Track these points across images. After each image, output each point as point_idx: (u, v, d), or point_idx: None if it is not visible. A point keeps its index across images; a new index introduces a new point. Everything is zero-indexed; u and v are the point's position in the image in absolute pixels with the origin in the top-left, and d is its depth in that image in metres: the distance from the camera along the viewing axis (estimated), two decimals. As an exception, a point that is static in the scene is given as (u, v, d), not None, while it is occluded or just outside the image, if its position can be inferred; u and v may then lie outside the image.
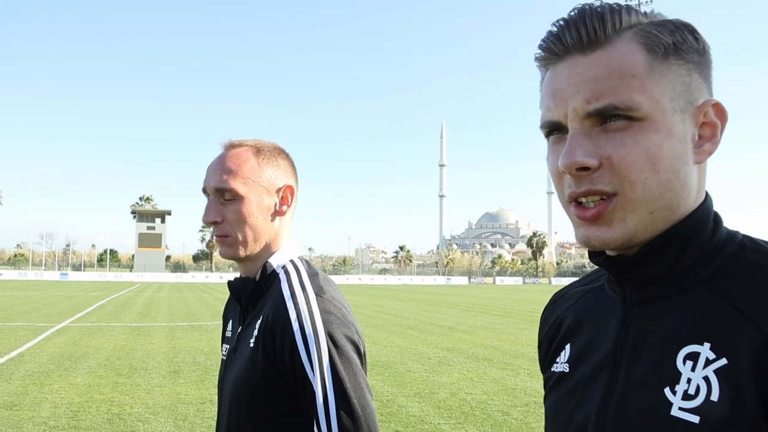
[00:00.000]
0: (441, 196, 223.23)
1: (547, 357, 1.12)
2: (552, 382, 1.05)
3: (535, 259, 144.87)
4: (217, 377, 1.79)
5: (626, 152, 0.83)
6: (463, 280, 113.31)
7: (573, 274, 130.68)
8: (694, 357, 0.81)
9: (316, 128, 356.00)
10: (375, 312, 26.31)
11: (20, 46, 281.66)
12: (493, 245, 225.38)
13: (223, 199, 1.64)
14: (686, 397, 0.80)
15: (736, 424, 0.75)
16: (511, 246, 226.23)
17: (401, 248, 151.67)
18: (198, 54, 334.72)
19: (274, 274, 1.65)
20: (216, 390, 1.85)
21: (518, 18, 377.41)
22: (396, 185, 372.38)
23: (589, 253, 0.96)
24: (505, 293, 55.83)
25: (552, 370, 1.06)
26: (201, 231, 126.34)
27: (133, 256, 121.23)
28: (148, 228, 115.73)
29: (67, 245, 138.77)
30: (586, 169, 0.84)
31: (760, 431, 0.74)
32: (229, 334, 1.81)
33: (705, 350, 0.80)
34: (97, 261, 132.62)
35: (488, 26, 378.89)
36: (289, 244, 1.73)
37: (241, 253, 1.67)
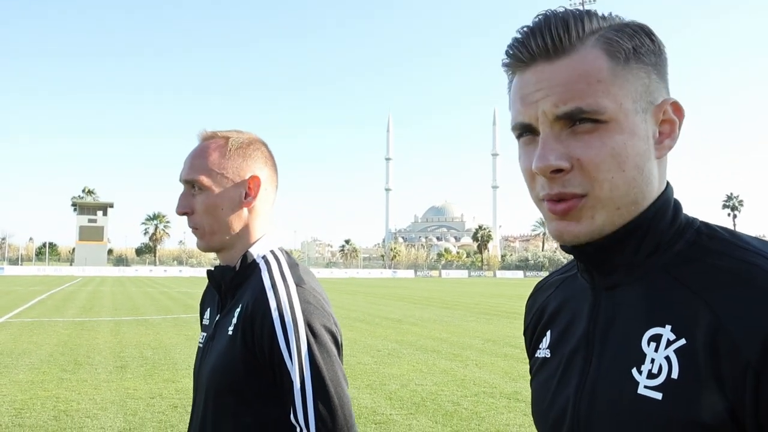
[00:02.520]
0: (387, 190, 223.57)
1: (531, 344, 1.18)
2: (536, 368, 1.12)
3: (480, 252, 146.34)
4: (193, 365, 1.80)
5: (594, 154, 0.88)
6: (410, 274, 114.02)
7: (517, 268, 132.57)
8: (657, 339, 0.88)
9: (261, 120, 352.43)
10: (323, 305, 26.18)
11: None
12: (438, 239, 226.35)
13: (193, 191, 1.68)
14: (650, 376, 0.86)
15: (694, 398, 0.82)
16: (457, 239, 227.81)
17: (347, 242, 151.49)
18: (137, 42, 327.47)
19: (255, 264, 1.67)
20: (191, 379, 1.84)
21: (463, 11, 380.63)
22: (342, 178, 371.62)
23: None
24: (451, 286, 56.42)
25: (536, 356, 1.13)
26: (144, 224, 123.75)
27: (73, 249, 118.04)
28: (90, 221, 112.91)
29: (3, 238, 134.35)
30: (559, 171, 0.90)
31: (714, 405, 0.80)
32: (206, 322, 1.83)
33: (666, 332, 0.87)
34: (36, 255, 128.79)
35: (433, 19, 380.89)
36: (269, 234, 1.75)
37: (211, 244, 1.70)
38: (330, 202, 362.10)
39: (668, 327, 0.87)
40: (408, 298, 33.48)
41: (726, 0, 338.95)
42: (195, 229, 1.69)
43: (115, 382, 9.44)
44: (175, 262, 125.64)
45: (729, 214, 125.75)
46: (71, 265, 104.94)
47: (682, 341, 0.85)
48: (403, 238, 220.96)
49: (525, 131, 0.94)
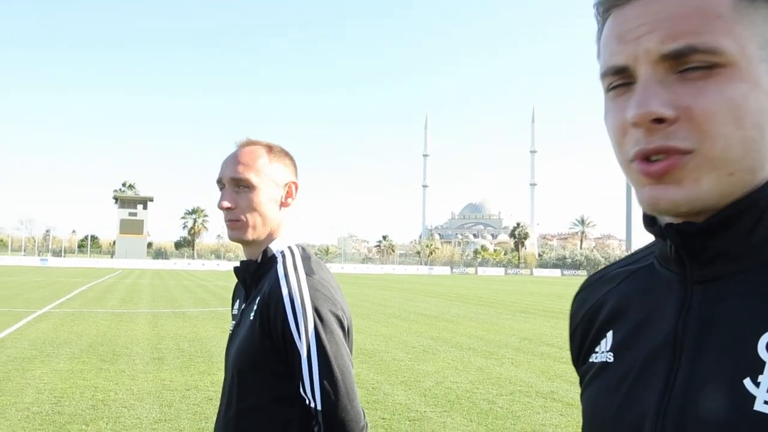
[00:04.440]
0: (424, 186, 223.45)
1: (583, 348, 0.99)
2: (592, 374, 0.92)
3: (518, 250, 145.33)
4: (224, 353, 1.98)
5: (709, 102, 0.72)
6: (446, 270, 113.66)
7: (554, 266, 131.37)
8: None
9: (300, 117, 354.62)
10: (359, 301, 26.33)
11: None
12: (475, 236, 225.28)
13: (237, 188, 1.88)
14: None
15: None
16: (494, 237, 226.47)
17: (384, 238, 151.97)
18: (179, 41, 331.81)
19: (273, 258, 1.88)
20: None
21: (500, 7, 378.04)
22: (379, 175, 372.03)
23: (644, 220, 0.86)
24: (487, 283, 56.05)
25: (591, 360, 0.94)
26: (183, 218, 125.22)
27: (114, 242, 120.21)
28: (130, 214, 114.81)
29: (47, 231, 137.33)
30: (661, 121, 0.73)
31: None
32: (235, 311, 2.02)
33: None
34: (78, 247, 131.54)
35: (471, 15, 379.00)
36: (288, 233, 1.97)
37: (249, 236, 1.89)
38: (367, 198, 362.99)
39: None
40: (444, 295, 33.34)
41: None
42: (236, 221, 1.87)
43: (151, 373, 9.54)
44: (213, 255, 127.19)
45: None
46: (112, 257, 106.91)
47: None
48: (439, 234, 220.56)
49: (619, 77, 0.78)
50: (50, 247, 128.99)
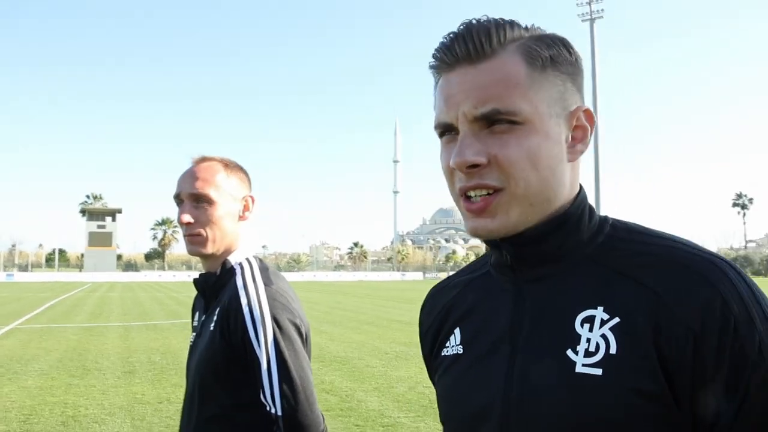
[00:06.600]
0: (395, 192, 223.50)
1: (435, 345, 1.17)
2: (445, 366, 1.11)
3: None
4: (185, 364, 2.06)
5: (510, 152, 0.94)
6: (418, 276, 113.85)
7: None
8: (590, 320, 0.93)
9: (268, 124, 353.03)
10: (331, 308, 26.32)
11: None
12: (447, 240, 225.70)
13: (197, 203, 1.94)
14: (587, 354, 0.91)
15: (636, 369, 0.87)
16: (465, 241, 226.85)
17: (355, 244, 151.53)
18: (145, 48, 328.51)
19: (232, 269, 1.94)
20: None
21: (471, 13, 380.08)
22: (349, 181, 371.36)
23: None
24: (459, 288, 56.08)
25: (443, 354, 1.12)
26: (153, 229, 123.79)
27: (82, 255, 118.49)
28: (99, 227, 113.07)
29: (13, 245, 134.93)
30: (475, 166, 0.95)
31: (655, 372, 0.86)
32: (196, 323, 2.08)
33: (599, 312, 0.93)
34: (45, 261, 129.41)
35: (442, 20, 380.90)
36: (245, 245, 2.04)
37: (209, 249, 1.95)
38: (338, 205, 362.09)
39: (600, 308, 0.93)
40: (416, 301, 33.28)
41: (743, 1, 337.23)
42: (196, 235, 1.93)
43: (123, 387, 9.47)
44: (184, 266, 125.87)
45: (739, 212, 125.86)
46: (80, 271, 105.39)
47: (616, 319, 0.91)
48: (411, 240, 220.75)
49: (447, 130, 0.99)
50: (16, 261, 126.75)
